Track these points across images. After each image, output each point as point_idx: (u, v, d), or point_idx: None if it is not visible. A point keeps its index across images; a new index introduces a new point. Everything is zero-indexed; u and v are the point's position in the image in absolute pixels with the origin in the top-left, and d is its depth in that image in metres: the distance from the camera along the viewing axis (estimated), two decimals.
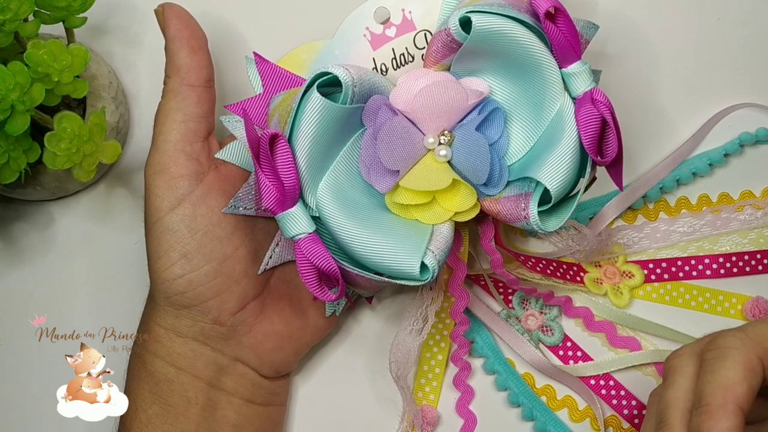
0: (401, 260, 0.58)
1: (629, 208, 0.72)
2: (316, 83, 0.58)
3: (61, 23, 0.65)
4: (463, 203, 0.61)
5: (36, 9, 0.63)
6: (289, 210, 0.58)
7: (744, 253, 0.72)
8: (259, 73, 0.63)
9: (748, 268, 0.72)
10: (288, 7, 0.74)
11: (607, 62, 0.73)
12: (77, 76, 0.63)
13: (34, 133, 0.64)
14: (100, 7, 0.72)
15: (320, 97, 0.57)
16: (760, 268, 0.72)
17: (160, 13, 0.64)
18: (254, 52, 0.63)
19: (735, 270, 0.72)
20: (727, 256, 0.72)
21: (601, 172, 0.64)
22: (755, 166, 0.73)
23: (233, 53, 0.73)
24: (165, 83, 0.64)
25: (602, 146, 0.60)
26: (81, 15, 0.65)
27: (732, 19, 0.74)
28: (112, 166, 0.74)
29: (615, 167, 0.62)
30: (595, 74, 0.64)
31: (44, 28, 0.65)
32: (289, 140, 0.58)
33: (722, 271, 0.72)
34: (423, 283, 0.58)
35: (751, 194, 0.73)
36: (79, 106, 0.69)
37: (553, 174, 0.58)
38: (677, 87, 0.74)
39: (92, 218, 0.74)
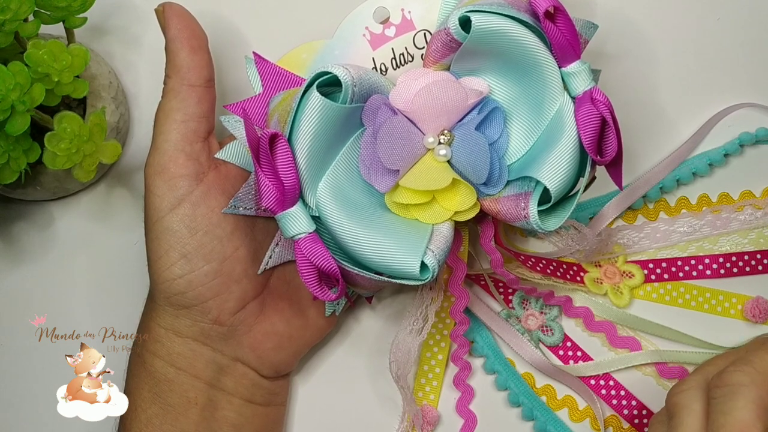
0: (401, 260, 0.58)
1: (629, 208, 0.72)
2: (316, 83, 0.58)
3: (61, 23, 0.65)
4: (463, 203, 0.61)
5: (36, 9, 0.63)
6: (289, 210, 0.58)
7: (744, 253, 0.72)
8: (259, 72, 0.63)
9: (748, 268, 0.72)
10: (288, 7, 0.74)
11: (607, 62, 0.73)
12: (77, 76, 0.63)
13: (34, 133, 0.64)
14: (100, 7, 0.72)
15: (320, 96, 0.57)
16: (760, 268, 0.72)
17: (161, 13, 0.64)
18: (254, 52, 0.63)
19: (735, 270, 0.72)
20: (727, 256, 0.72)
21: (601, 171, 0.64)
22: (755, 166, 0.73)
23: (233, 53, 0.73)
24: (165, 83, 0.64)
25: (602, 145, 0.60)
26: (81, 15, 0.65)
27: (732, 19, 0.74)
28: (112, 166, 0.74)
29: (615, 167, 0.62)
30: (595, 74, 0.64)
31: (44, 28, 0.65)
32: (289, 140, 0.58)
33: (722, 271, 0.72)
34: (423, 282, 0.58)
35: (751, 194, 0.73)
36: (79, 106, 0.69)
37: (553, 173, 0.58)
38: (677, 87, 0.74)
39: (92, 218, 0.74)
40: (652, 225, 0.72)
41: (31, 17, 0.63)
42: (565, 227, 0.68)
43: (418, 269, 0.58)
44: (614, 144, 0.59)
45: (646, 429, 0.71)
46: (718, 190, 0.73)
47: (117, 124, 0.70)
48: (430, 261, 0.58)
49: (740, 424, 0.53)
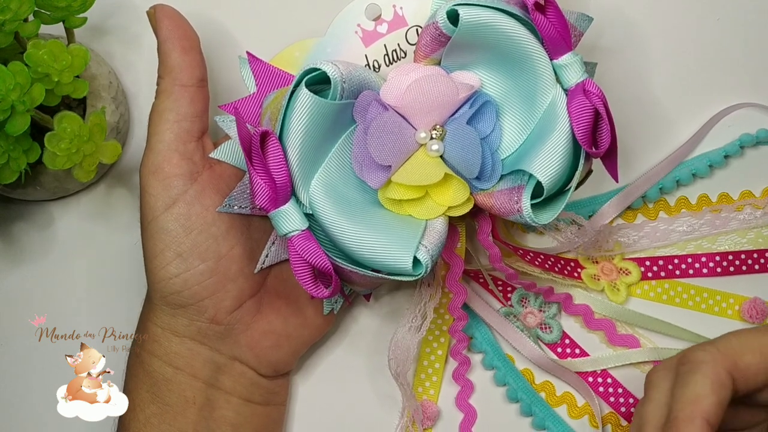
0: (394, 256, 0.58)
1: (629, 207, 0.72)
2: (305, 80, 0.58)
3: (61, 23, 0.65)
4: (455, 197, 0.60)
5: (36, 9, 0.63)
6: (282, 207, 0.58)
7: (741, 252, 0.72)
8: (253, 72, 0.64)
9: (744, 267, 0.71)
10: (279, 6, 0.75)
11: (607, 62, 0.73)
12: (77, 76, 0.64)
13: (34, 133, 0.64)
14: (100, 7, 0.72)
15: (309, 93, 0.57)
16: (757, 267, 0.71)
17: (152, 15, 0.64)
18: (247, 52, 0.64)
19: (732, 269, 0.71)
20: (724, 255, 0.71)
21: (601, 170, 0.64)
22: (755, 167, 0.73)
23: (226, 53, 0.73)
24: (158, 84, 0.64)
25: (596, 138, 0.60)
26: (81, 15, 0.65)
27: (732, 19, 0.74)
28: (112, 166, 0.74)
29: (609, 159, 0.62)
30: (591, 67, 0.64)
31: (44, 28, 0.65)
32: (280, 138, 0.58)
33: (719, 270, 0.71)
34: (416, 278, 0.58)
35: (751, 194, 0.72)
36: (79, 106, 0.69)
37: (546, 166, 0.58)
38: (677, 86, 0.74)
39: (92, 218, 0.74)
40: (651, 224, 0.72)
41: (31, 17, 0.63)
42: (564, 221, 0.68)
43: (411, 265, 0.58)
44: (608, 136, 0.59)
45: None
46: (718, 190, 0.73)
47: (117, 124, 0.71)
48: (423, 256, 0.58)
49: (695, 396, 0.55)
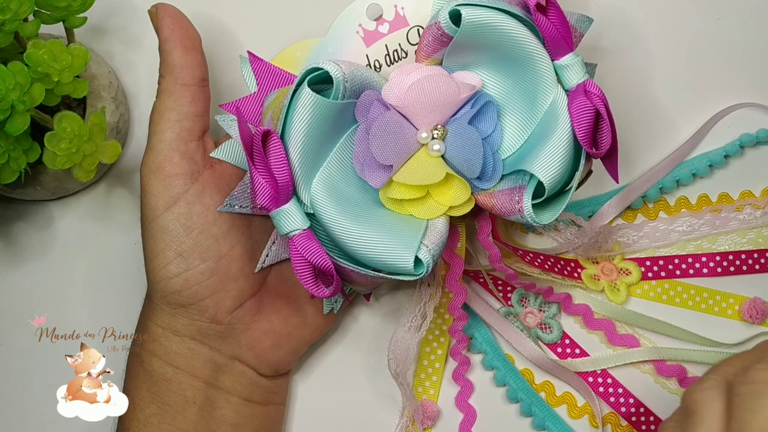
0: (395, 255, 0.58)
1: (629, 207, 0.72)
2: (307, 79, 0.58)
3: (61, 23, 0.65)
4: (456, 197, 0.61)
5: (36, 9, 0.63)
6: (283, 207, 0.58)
7: (741, 252, 0.71)
8: (254, 71, 0.64)
9: (745, 267, 0.71)
10: (281, 5, 0.74)
11: (607, 61, 0.73)
12: (77, 76, 0.64)
13: (34, 133, 0.64)
14: (100, 7, 0.72)
15: (311, 92, 0.57)
16: (757, 267, 0.71)
17: (154, 14, 0.64)
18: (248, 51, 0.64)
19: (732, 269, 0.71)
20: (724, 255, 0.71)
21: (601, 170, 0.64)
22: (755, 167, 0.73)
23: (228, 52, 0.73)
24: (159, 83, 0.64)
25: (597, 138, 0.60)
26: (81, 15, 0.65)
27: (732, 19, 0.74)
28: (112, 166, 0.74)
29: (610, 159, 0.62)
30: (591, 68, 0.64)
31: (44, 28, 0.65)
32: (282, 137, 0.58)
33: (719, 270, 0.71)
34: (417, 277, 0.58)
35: (751, 194, 0.72)
36: (79, 106, 0.69)
37: (547, 166, 0.58)
38: (676, 86, 0.74)
39: (92, 218, 0.74)
40: (651, 224, 0.72)
41: (31, 17, 0.63)
42: (564, 221, 0.68)
43: (412, 264, 0.58)
44: (608, 136, 0.59)
45: (643, 427, 0.70)
46: (718, 190, 0.73)
47: (117, 124, 0.71)
48: (425, 256, 0.58)
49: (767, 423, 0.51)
